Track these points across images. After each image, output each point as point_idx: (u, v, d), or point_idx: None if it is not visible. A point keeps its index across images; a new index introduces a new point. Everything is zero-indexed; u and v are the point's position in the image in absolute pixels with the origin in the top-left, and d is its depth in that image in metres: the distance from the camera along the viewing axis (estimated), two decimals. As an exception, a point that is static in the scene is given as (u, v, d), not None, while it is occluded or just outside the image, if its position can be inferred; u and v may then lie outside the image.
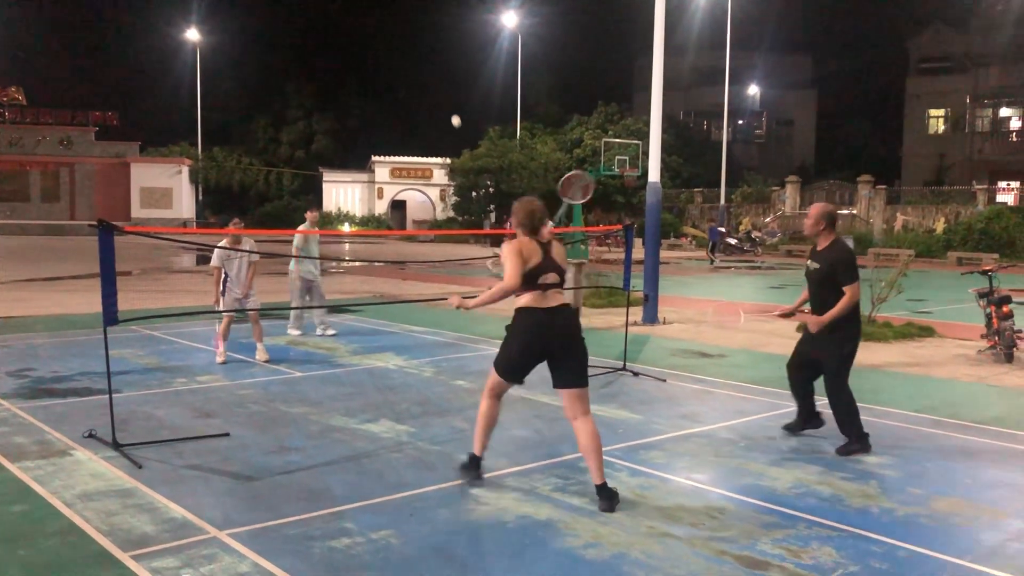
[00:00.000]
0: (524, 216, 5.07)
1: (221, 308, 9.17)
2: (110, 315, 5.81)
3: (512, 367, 5.09)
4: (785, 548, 4.34)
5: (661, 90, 12.89)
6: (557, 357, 4.98)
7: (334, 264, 26.43)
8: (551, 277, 5.00)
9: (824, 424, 6.42)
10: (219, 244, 9.16)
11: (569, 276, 13.28)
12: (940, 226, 36.71)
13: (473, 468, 5.33)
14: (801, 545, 4.39)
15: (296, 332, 11.37)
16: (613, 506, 4.87)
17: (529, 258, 4.95)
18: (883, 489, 5.31)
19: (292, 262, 11.31)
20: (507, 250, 5.01)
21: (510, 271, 4.95)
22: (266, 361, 9.25)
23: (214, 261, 9.18)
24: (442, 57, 62.64)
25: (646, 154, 15.99)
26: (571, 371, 4.98)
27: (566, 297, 5.14)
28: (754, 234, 37.31)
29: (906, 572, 4.08)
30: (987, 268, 11.04)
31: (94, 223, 5.72)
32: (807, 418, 6.49)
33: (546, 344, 4.96)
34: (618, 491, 4.96)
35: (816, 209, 6.33)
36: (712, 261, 30.07)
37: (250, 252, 9.02)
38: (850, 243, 30.26)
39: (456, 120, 18.19)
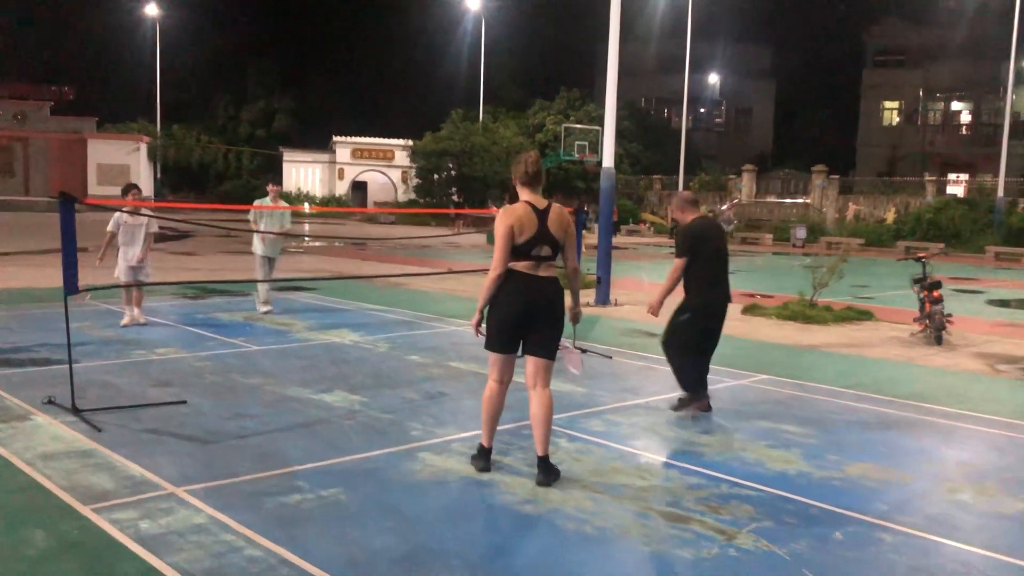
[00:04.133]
0: (520, 167, 4.99)
1: (117, 274, 9.62)
2: (71, 285, 6.00)
3: (499, 333, 4.93)
4: (706, 505, 4.70)
5: (616, 78, 13.21)
6: (537, 326, 4.91)
7: (292, 243, 26.46)
8: (544, 250, 4.90)
9: (710, 410, 6.70)
10: (119, 211, 9.54)
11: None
12: (890, 216, 37.61)
13: (482, 459, 5.15)
14: (721, 503, 4.75)
15: (264, 309, 11.21)
16: (550, 481, 4.91)
17: (521, 232, 4.84)
18: (803, 455, 5.70)
19: (254, 238, 11.34)
20: (498, 224, 4.87)
21: (496, 255, 4.87)
22: (143, 324, 9.75)
23: (110, 226, 9.55)
24: (406, 38, 62.41)
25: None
26: (545, 341, 4.95)
27: (557, 272, 5.03)
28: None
29: (813, 525, 4.47)
30: (921, 255, 11.56)
31: (54, 196, 5.88)
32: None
33: (532, 310, 4.87)
34: (559, 471, 5.01)
35: (674, 199, 6.93)
36: None
37: (149, 218, 9.54)
38: (801, 232, 30.70)
39: None
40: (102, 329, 9.65)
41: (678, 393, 6.84)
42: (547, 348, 4.98)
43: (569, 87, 50.90)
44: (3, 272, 15.52)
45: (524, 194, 5.01)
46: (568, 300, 5.16)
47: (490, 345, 5.01)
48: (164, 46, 51.68)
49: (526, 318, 4.90)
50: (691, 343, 6.60)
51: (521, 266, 4.89)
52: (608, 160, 13.45)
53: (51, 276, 7.83)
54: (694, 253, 6.47)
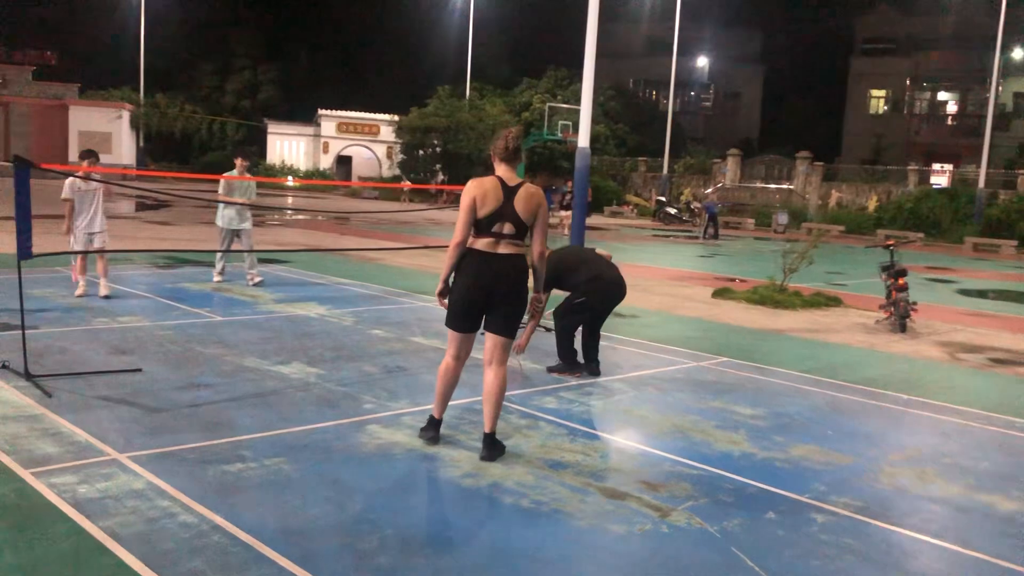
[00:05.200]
0: (500, 142, 4.96)
1: (73, 242, 9.43)
2: (24, 250, 5.98)
3: (456, 311, 4.92)
4: (645, 483, 4.76)
5: (594, 59, 13.17)
6: (496, 304, 4.88)
7: (276, 217, 26.35)
8: (507, 227, 4.82)
9: (598, 375, 7.31)
10: (69, 179, 9.37)
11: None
12: (872, 204, 37.79)
13: (431, 429, 5.21)
14: (661, 481, 4.81)
15: (218, 279, 11.36)
16: (493, 456, 4.93)
17: (484, 204, 4.79)
18: (749, 437, 5.77)
19: (218, 209, 11.38)
20: (463, 195, 4.84)
21: (458, 225, 4.83)
22: (106, 296, 9.52)
23: (65, 193, 9.31)
24: (394, 12, 61.82)
25: (594, 120, 16.44)
26: (505, 318, 4.92)
27: (523, 249, 4.95)
28: (693, 205, 37.97)
29: (748, 503, 4.54)
30: (889, 243, 11.65)
31: (8, 161, 5.85)
32: (588, 358, 7.46)
33: (491, 288, 4.84)
34: (504, 447, 5.08)
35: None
36: (702, 236, 27.84)
37: (102, 182, 9.48)
38: (782, 217, 30.66)
39: None
40: (67, 296, 9.61)
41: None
42: (506, 326, 4.95)
43: (557, 66, 50.72)
44: (-26, 237, 15.39)
45: (499, 169, 4.95)
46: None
47: (448, 322, 5.01)
48: (148, 13, 51.06)
49: (484, 296, 4.87)
50: (579, 321, 7.33)
51: (480, 243, 4.85)
52: (584, 140, 13.44)
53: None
54: (557, 283, 7.13)
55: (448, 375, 5.08)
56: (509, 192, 4.85)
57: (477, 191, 4.82)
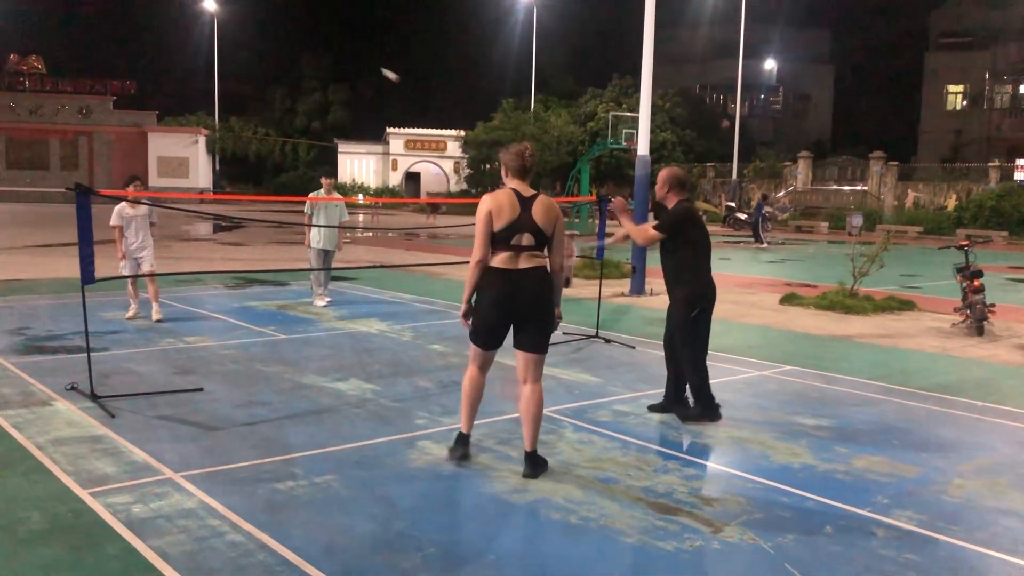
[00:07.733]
0: (512, 157, 4.88)
1: (123, 266, 9.56)
2: (87, 274, 6.17)
3: (480, 330, 4.86)
4: (699, 497, 4.64)
5: (651, 66, 13.09)
6: (523, 320, 4.80)
7: (348, 235, 26.76)
8: (526, 238, 4.74)
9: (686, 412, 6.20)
10: (118, 205, 9.56)
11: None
12: (951, 203, 36.56)
13: (460, 446, 5.09)
14: (715, 495, 4.69)
15: (322, 303, 11.21)
16: (536, 473, 4.86)
17: (499, 216, 4.72)
18: (811, 448, 5.59)
19: (312, 232, 11.17)
20: (478, 210, 4.78)
21: (475, 242, 4.76)
22: (159, 320, 9.57)
23: (113, 220, 9.51)
24: (458, 28, 62.57)
25: (659, 127, 16.35)
26: (533, 335, 4.83)
27: (544, 261, 4.85)
28: (764, 209, 37.23)
29: (805, 518, 4.38)
30: (963, 243, 11.23)
31: (71, 187, 6.05)
32: (674, 398, 6.29)
33: (514, 306, 4.76)
34: (547, 461, 4.98)
35: (662, 173, 6.15)
36: (758, 240, 27.91)
37: (151, 205, 9.75)
38: (856, 219, 29.86)
39: (390, 74, 18.86)
40: (138, 319, 9.88)
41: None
42: (535, 342, 4.84)
43: (622, 75, 50.48)
44: (56, 262, 16.01)
45: (512, 183, 4.88)
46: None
47: (472, 338, 4.93)
48: (222, 39, 52.67)
49: (506, 315, 4.79)
50: (705, 341, 6.11)
51: (499, 260, 4.75)
52: (643, 148, 13.33)
53: (99, 267, 7.94)
54: (684, 235, 5.97)
55: (474, 387, 4.99)
56: (526, 202, 4.77)
57: (492, 204, 4.74)
